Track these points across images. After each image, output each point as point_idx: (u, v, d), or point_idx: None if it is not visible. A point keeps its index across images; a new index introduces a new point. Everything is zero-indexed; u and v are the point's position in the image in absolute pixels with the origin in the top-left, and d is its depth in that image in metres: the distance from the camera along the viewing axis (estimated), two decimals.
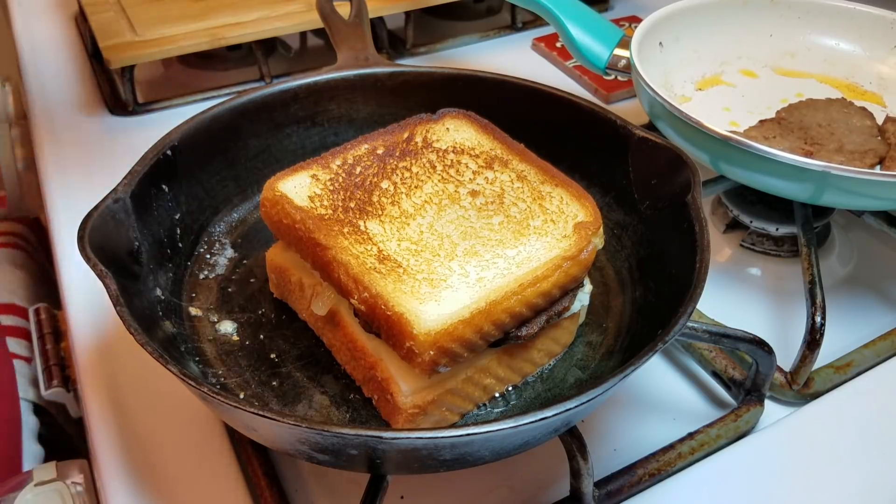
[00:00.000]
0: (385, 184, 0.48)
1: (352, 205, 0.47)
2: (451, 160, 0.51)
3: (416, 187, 0.48)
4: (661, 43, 0.71)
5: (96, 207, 0.45)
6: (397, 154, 0.51)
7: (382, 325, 0.41)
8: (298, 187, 0.48)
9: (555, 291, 0.44)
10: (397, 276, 0.42)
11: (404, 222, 0.46)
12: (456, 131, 0.53)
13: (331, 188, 0.48)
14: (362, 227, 0.45)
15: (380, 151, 0.51)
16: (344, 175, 0.49)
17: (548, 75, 0.89)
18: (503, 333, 0.43)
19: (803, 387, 0.53)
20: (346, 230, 0.45)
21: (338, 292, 0.45)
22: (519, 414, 0.35)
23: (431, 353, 0.39)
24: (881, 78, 0.74)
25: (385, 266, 0.43)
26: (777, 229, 0.63)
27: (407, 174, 0.49)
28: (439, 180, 0.49)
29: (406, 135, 0.52)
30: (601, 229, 0.46)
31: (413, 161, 0.50)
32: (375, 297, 0.41)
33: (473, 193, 0.48)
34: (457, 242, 0.45)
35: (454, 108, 0.55)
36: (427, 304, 0.41)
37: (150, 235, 0.48)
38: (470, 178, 0.49)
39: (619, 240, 0.55)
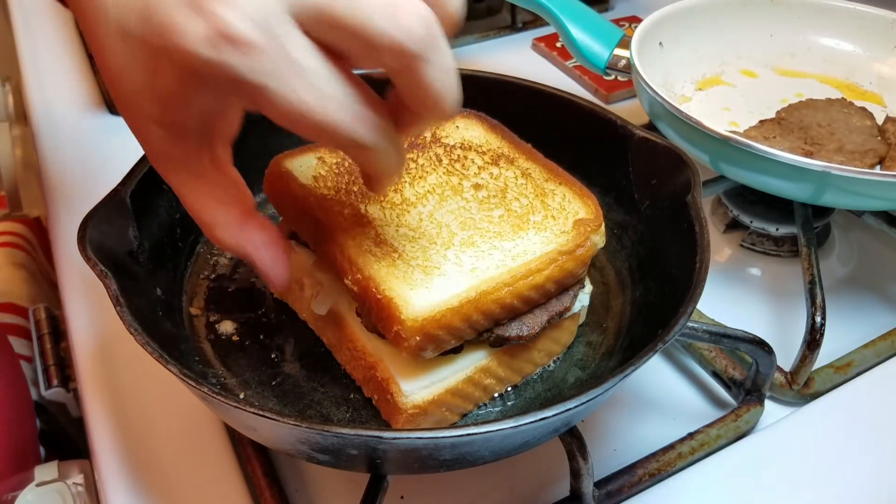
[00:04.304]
0: None
1: (355, 188, 0.47)
2: (458, 155, 0.51)
3: (420, 178, 0.49)
4: (661, 43, 0.71)
5: (96, 207, 0.45)
6: (405, 147, 0.51)
7: (373, 307, 0.41)
8: (304, 166, 0.48)
9: (549, 286, 0.44)
10: (392, 260, 0.42)
11: (405, 209, 0.46)
12: (465, 129, 0.54)
13: (336, 171, 0.48)
14: (362, 211, 0.45)
15: None
16: (350, 160, 0.49)
17: (548, 75, 0.89)
18: (493, 324, 0.43)
19: (803, 387, 0.53)
20: (346, 211, 0.45)
21: (335, 272, 0.45)
22: (519, 414, 0.35)
23: (417, 338, 0.40)
24: (881, 78, 0.74)
25: (381, 250, 0.43)
26: (777, 229, 0.63)
27: (413, 165, 0.50)
28: (444, 173, 0.49)
29: None
30: (602, 228, 0.46)
31: (420, 154, 0.51)
32: (368, 279, 0.41)
33: (477, 187, 0.48)
34: (455, 232, 0.45)
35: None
36: (417, 291, 0.41)
37: (150, 235, 0.48)
38: (475, 173, 0.50)
39: (619, 240, 0.55)
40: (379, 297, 0.41)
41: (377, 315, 0.42)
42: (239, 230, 0.39)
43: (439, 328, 0.40)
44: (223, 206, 0.38)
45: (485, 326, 0.43)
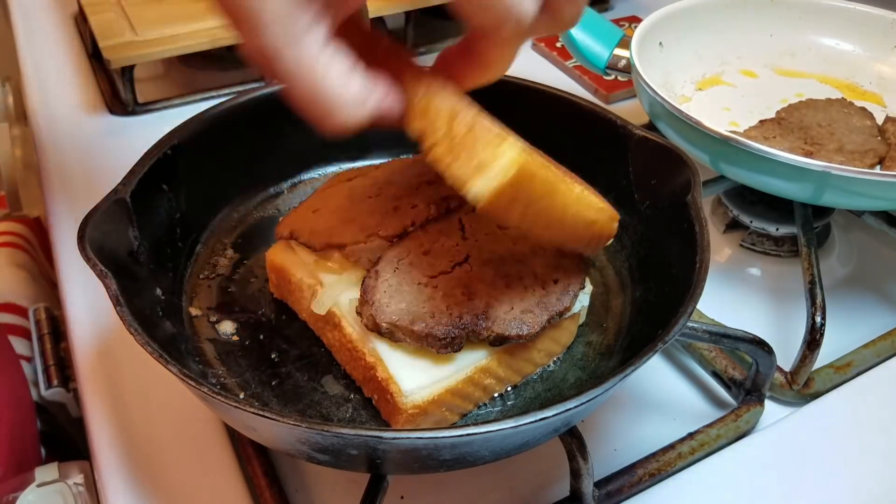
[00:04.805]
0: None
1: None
2: None
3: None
4: (661, 43, 0.71)
5: (96, 207, 0.45)
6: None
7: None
8: None
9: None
10: None
11: None
12: None
13: None
14: None
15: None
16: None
17: (548, 75, 0.89)
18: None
19: (803, 387, 0.53)
20: None
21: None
22: (519, 414, 0.35)
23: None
24: (881, 78, 0.74)
25: None
26: (777, 229, 0.63)
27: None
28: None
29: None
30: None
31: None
32: None
33: None
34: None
35: None
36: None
37: (150, 235, 0.48)
38: None
39: (619, 240, 0.55)
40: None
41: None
42: (365, 101, 0.35)
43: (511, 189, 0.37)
44: (340, 84, 0.34)
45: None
